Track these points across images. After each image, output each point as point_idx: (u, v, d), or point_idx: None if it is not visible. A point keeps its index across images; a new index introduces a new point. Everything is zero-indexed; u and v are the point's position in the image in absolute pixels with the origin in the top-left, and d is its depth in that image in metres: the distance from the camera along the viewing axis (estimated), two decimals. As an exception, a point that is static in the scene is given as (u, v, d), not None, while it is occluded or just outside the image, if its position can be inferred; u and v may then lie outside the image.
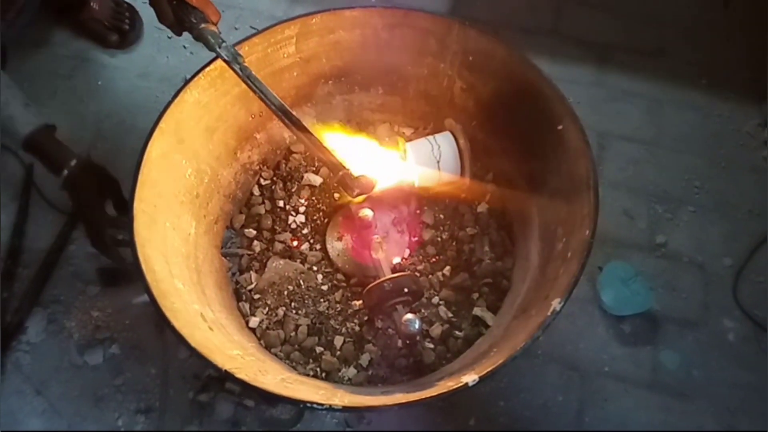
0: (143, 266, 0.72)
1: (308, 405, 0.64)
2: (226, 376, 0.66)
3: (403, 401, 0.65)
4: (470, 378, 0.65)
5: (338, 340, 0.89)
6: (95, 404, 0.94)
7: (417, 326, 0.79)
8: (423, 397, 0.66)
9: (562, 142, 0.85)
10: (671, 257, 1.09)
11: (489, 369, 0.66)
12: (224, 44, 0.79)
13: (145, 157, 0.79)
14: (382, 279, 0.82)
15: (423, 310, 0.91)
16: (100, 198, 0.88)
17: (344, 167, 0.75)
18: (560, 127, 0.85)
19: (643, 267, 1.07)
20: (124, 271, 1.01)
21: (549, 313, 0.69)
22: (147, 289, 0.71)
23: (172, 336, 0.97)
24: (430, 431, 0.93)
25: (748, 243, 1.11)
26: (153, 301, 0.70)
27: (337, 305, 0.92)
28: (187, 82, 0.86)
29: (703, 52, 1.33)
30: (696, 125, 1.24)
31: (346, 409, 0.66)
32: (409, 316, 0.79)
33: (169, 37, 1.29)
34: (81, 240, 1.07)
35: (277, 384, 0.71)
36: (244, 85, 0.80)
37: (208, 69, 0.87)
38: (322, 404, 0.63)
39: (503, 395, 0.97)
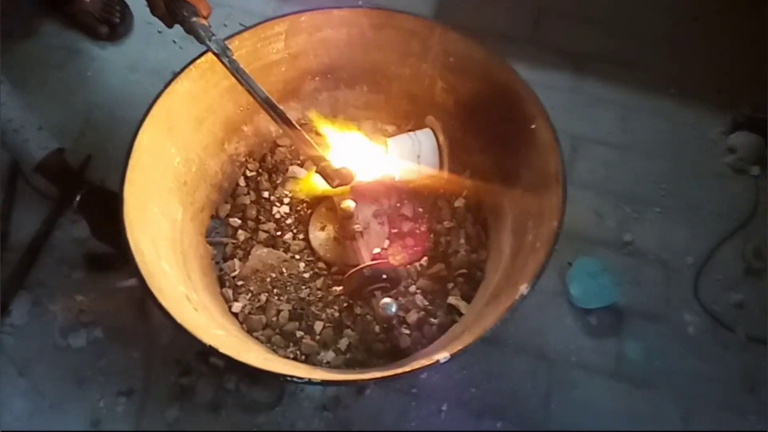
0: (132, 247, 0.75)
1: (288, 378, 0.67)
2: (211, 351, 0.69)
3: (378, 376, 0.69)
4: (441, 356, 0.69)
5: (318, 325, 0.92)
6: (78, 386, 0.96)
7: (393, 310, 0.83)
8: (395, 373, 0.70)
9: (534, 140, 0.90)
10: (637, 254, 1.15)
11: (459, 348, 0.70)
12: (214, 38, 0.82)
13: (136, 142, 0.82)
14: (362, 266, 0.86)
15: (400, 298, 0.95)
16: (113, 218, 0.91)
17: (325, 159, 0.78)
18: (533, 126, 0.90)
19: (610, 263, 1.12)
20: (109, 257, 1.03)
21: (516, 297, 0.73)
22: (135, 269, 0.73)
23: (155, 321, 1.02)
24: None
25: (710, 243, 1.17)
26: (141, 279, 0.73)
27: (318, 292, 0.96)
28: (178, 72, 0.89)
29: (672, 64, 1.40)
30: (664, 132, 1.31)
31: (324, 383, 0.69)
32: (387, 300, 0.83)
33: (159, 31, 1.32)
34: (66, 226, 1.09)
35: (258, 361, 0.74)
36: (232, 79, 0.84)
37: (198, 61, 0.91)
38: (301, 378, 0.67)
39: (475, 382, 1.01)
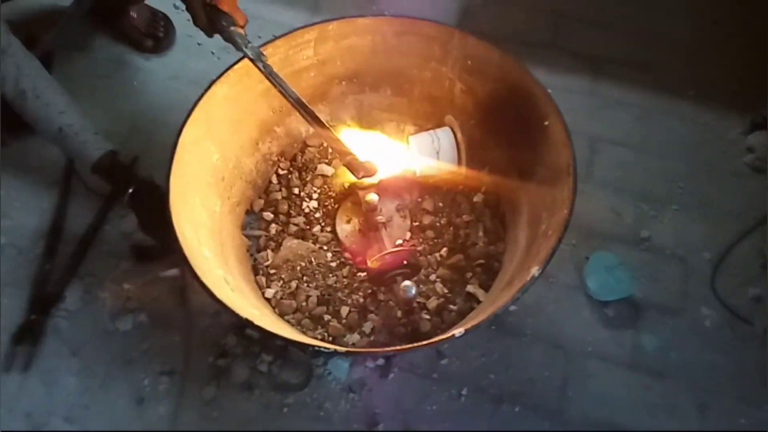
0: (177, 231, 0.83)
1: (315, 348, 0.73)
2: (247, 324, 0.76)
3: (397, 349, 0.75)
4: (457, 331, 0.74)
5: (344, 310, 0.99)
6: (124, 366, 1.05)
7: (413, 292, 0.88)
8: (414, 346, 0.75)
9: (548, 136, 0.95)
10: (654, 250, 1.18)
11: (473, 323, 0.75)
12: (250, 45, 0.91)
13: (180, 140, 0.91)
14: (384, 252, 0.92)
15: (421, 286, 1.01)
16: (160, 211, 0.97)
17: (352, 153, 0.86)
18: (546, 123, 0.95)
19: (627, 258, 1.15)
20: (154, 249, 1.12)
21: (528, 278, 0.78)
22: (179, 250, 0.81)
23: (194, 307, 1.09)
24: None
25: (727, 240, 1.19)
26: (184, 258, 0.80)
27: (344, 279, 1.03)
28: (217, 77, 0.98)
29: (691, 66, 1.43)
30: (682, 132, 1.34)
31: (348, 353, 0.75)
32: (407, 283, 0.89)
33: (199, 44, 1.42)
34: (115, 221, 1.19)
35: (290, 336, 0.80)
36: (266, 83, 0.92)
37: (235, 67, 0.99)
38: (328, 348, 0.73)
39: (493, 369, 1.05)
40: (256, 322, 0.77)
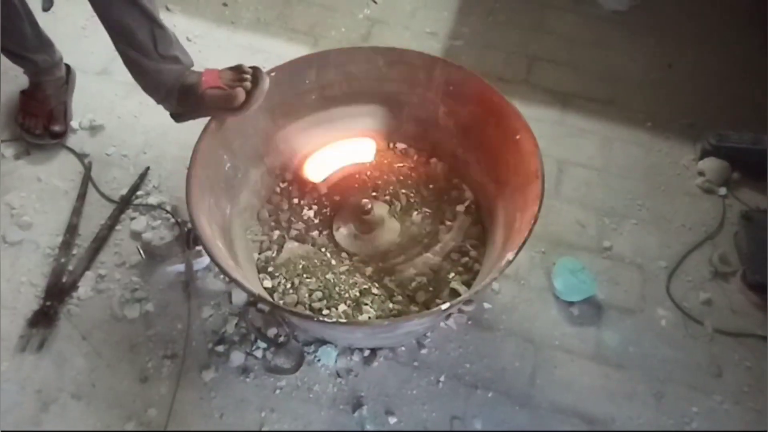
0: (195, 221, 0.93)
1: (320, 318, 0.83)
2: (259, 299, 0.86)
3: (389, 323, 0.85)
4: (444, 305, 0.85)
5: (341, 308, 1.08)
6: (130, 350, 1.14)
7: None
8: (405, 319, 0.85)
9: (519, 148, 1.09)
10: (615, 258, 1.31)
11: (456, 301, 0.86)
12: None
13: (199, 145, 1.03)
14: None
15: (410, 283, 1.13)
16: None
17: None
18: (518, 137, 1.09)
19: (591, 265, 1.28)
20: (161, 248, 1.23)
21: (502, 263, 0.89)
22: (198, 233, 0.91)
23: (196, 299, 1.19)
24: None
25: (681, 250, 1.32)
26: (203, 241, 0.91)
27: (342, 276, 1.14)
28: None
29: (648, 102, 1.61)
30: (640, 157, 1.50)
31: (348, 323, 0.84)
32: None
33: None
34: (126, 222, 1.30)
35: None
36: (273, 101, 1.06)
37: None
38: (332, 318, 0.82)
39: (469, 359, 1.15)
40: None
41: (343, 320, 0.84)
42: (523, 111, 1.10)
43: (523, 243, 0.93)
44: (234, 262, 1.03)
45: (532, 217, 0.95)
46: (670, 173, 1.47)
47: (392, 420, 1.07)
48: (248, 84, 1.04)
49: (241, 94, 1.02)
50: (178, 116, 1.12)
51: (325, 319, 0.83)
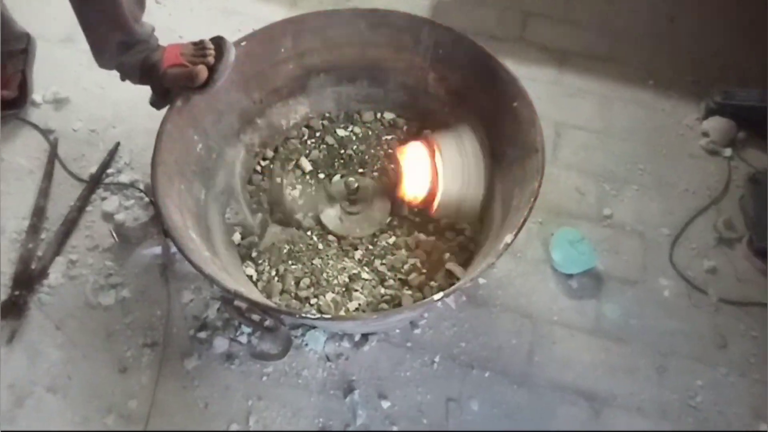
0: (164, 213, 0.85)
1: (303, 315, 0.77)
2: (236, 296, 0.79)
3: (377, 316, 0.78)
4: (437, 295, 0.79)
5: (329, 296, 1.02)
6: (107, 338, 1.08)
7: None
8: (395, 312, 0.79)
9: (516, 117, 1.01)
10: (616, 226, 1.25)
11: (449, 290, 0.79)
12: None
13: (163, 128, 0.94)
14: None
15: (403, 265, 1.06)
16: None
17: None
18: (515, 104, 1.01)
19: (590, 235, 1.22)
20: (135, 230, 1.16)
21: (500, 247, 0.83)
22: (168, 230, 0.84)
23: (175, 283, 1.12)
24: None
25: (684, 216, 1.26)
26: (173, 238, 0.83)
27: (329, 261, 1.07)
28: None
29: (650, 59, 1.51)
30: (642, 118, 1.42)
31: (333, 318, 0.78)
32: None
33: (180, 37, 1.47)
34: (97, 203, 1.22)
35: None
36: (248, 73, 0.96)
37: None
38: (314, 314, 0.76)
39: (465, 338, 1.10)
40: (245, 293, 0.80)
41: (328, 316, 0.77)
42: (518, 71, 1.02)
43: (522, 223, 0.86)
44: (211, 252, 0.95)
45: (532, 194, 0.89)
46: (673, 134, 1.40)
47: (385, 404, 1.03)
48: (211, 59, 0.95)
49: (202, 72, 0.94)
50: (155, 104, 1.03)
51: (308, 316, 0.76)
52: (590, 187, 1.30)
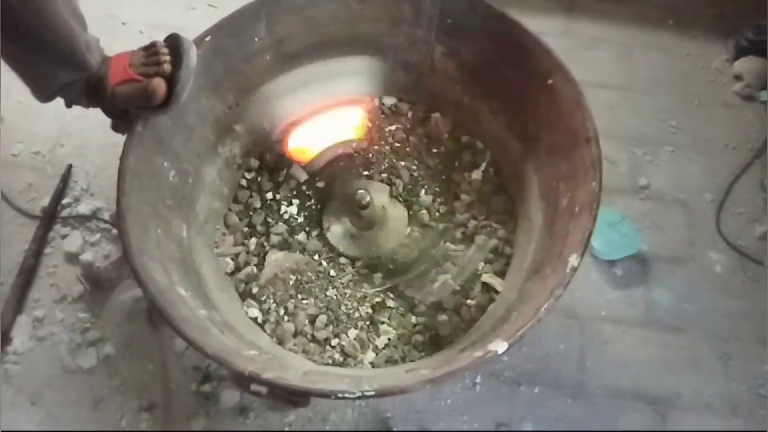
0: (143, 277, 0.68)
1: (340, 395, 0.62)
2: (251, 378, 0.64)
3: (433, 377, 0.64)
4: (500, 346, 0.64)
5: (352, 333, 0.87)
6: (95, 407, 0.92)
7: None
8: (451, 370, 0.64)
9: (554, 97, 0.83)
10: (655, 198, 1.11)
11: (517, 334, 0.65)
12: None
13: (125, 163, 0.74)
14: None
15: (431, 284, 0.91)
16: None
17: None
18: (550, 82, 0.84)
19: (628, 210, 1.08)
20: (107, 271, 0.97)
21: (567, 271, 0.68)
22: (153, 300, 0.67)
23: (166, 330, 0.96)
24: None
25: (727, 176, 1.13)
26: (161, 311, 0.66)
27: (346, 291, 0.91)
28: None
29: (667, -6, 1.34)
30: (666, 66, 1.26)
31: (379, 393, 0.63)
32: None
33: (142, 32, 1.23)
34: (57, 241, 1.03)
35: (301, 379, 0.68)
36: (214, 77, 0.76)
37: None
38: (354, 392, 0.61)
39: (507, 351, 0.97)
40: (261, 370, 0.65)
41: (370, 390, 0.61)
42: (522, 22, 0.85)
43: (588, 239, 0.71)
44: (206, 306, 0.78)
45: (592, 197, 0.73)
46: (702, 81, 1.24)
47: (428, 440, 0.91)
48: (167, 67, 0.74)
49: (159, 86, 0.73)
50: (117, 128, 0.82)
51: (348, 396, 0.61)
52: (621, 155, 1.15)
